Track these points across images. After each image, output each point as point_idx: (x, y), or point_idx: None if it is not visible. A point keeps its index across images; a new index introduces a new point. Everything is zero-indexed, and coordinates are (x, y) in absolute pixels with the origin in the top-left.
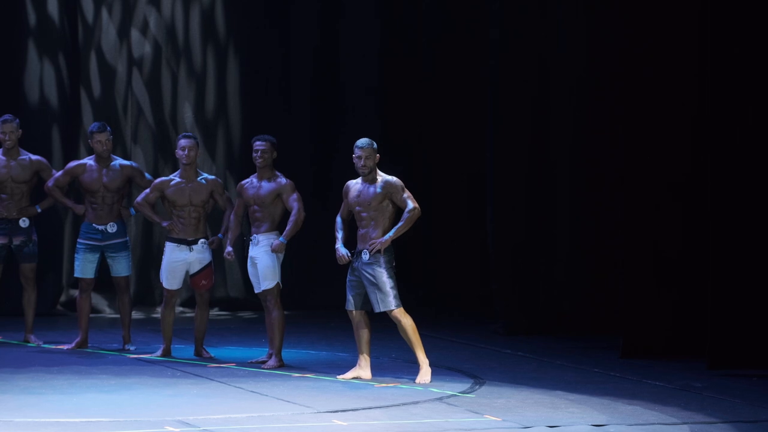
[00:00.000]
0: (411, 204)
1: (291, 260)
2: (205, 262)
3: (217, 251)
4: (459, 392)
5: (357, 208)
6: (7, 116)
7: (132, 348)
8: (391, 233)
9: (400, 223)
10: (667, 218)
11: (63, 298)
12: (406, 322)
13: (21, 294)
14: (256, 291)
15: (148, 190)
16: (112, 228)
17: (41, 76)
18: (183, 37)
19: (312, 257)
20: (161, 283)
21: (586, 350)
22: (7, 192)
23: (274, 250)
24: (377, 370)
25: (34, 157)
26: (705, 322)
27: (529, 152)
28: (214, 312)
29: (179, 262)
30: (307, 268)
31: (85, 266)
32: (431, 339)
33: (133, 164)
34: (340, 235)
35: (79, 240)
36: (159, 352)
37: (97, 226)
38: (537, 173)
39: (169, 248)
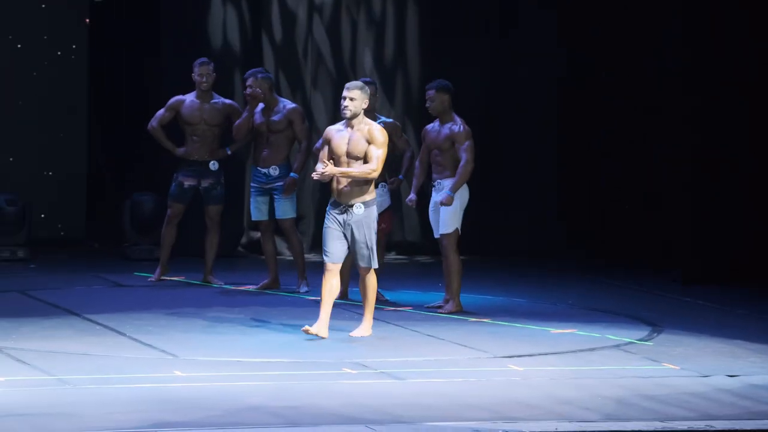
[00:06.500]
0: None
1: (472, 207)
2: (384, 206)
3: (396, 195)
4: (637, 340)
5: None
6: (203, 59)
7: (304, 290)
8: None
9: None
10: None
11: (244, 240)
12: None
13: (203, 236)
14: (435, 235)
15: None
16: (274, 171)
17: (224, 21)
18: None
19: (493, 201)
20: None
21: None
22: (199, 134)
23: (442, 204)
24: (553, 316)
25: (226, 101)
26: None
27: None
28: (391, 256)
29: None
30: (486, 214)
31: (256, 209)
32: (608, 286)
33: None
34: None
35: (251, 183)
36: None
37: (261, 169)
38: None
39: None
